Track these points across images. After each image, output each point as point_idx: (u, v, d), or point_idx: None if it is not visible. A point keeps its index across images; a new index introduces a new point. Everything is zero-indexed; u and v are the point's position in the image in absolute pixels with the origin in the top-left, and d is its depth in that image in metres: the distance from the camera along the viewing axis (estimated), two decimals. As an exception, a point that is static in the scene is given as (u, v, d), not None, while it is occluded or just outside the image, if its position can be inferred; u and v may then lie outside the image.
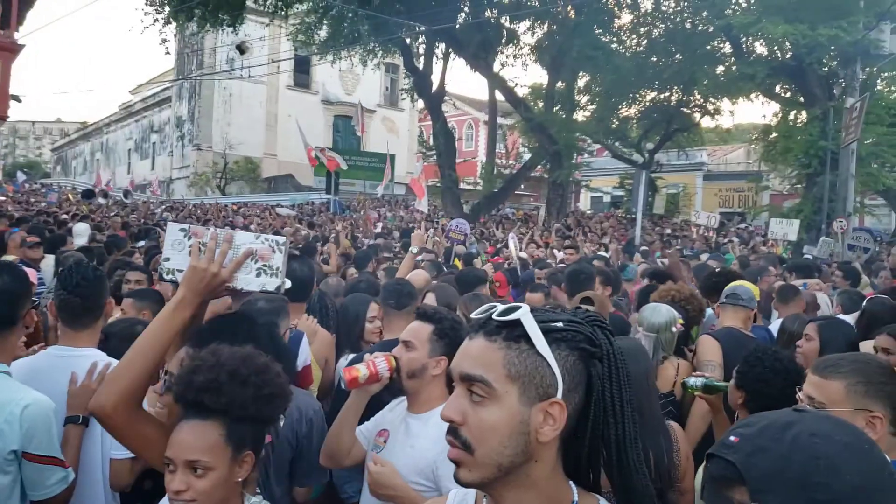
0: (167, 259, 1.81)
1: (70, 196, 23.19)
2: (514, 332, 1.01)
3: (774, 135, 19.45)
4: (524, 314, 1.01)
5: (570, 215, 23.60)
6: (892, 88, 18.49)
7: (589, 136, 24.23)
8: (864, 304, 4.51)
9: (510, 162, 28.42)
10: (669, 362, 3.22)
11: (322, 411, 2.54)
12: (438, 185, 21.03)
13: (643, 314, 3.32)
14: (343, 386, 2.18)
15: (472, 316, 1.08)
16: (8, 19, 10.79)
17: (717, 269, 5.47)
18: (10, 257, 5.97)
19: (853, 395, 1.70)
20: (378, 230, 14.71)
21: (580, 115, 24.44)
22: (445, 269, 6.23)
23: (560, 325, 1.03)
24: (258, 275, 1.77)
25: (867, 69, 16.26)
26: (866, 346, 3.11)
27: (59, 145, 60.48)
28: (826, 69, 16.92)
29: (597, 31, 19.70)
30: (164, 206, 21.71)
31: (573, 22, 19.35)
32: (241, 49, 34.01)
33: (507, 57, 22.21)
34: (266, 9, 20.89)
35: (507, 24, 20.75)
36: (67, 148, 58.02)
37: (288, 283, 1.84)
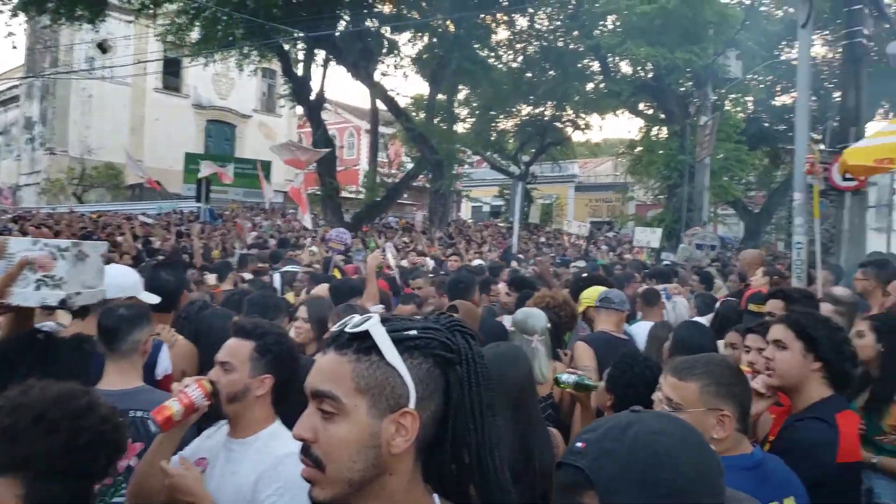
0: None
1: None
2: (364, 344, 0.99)
3: (639, 149, 20.82)
4: (372, 325, 1.00)
5: (451, 224, 23.95)
6: (738, 109, 20.36)
7: (468, 148, 24.77)
8: (717, 306, 4.86)
9: (393, 171, 28.44)
10: (548, 365, 3.28)
11: None
12: (319, 193, 20.56)
13: (517, 319, 3.37)
14: (154, 429, 1.96)
15: (331, 331, 1.05)
16: None
17: (584, 274, 5.70)
18: None
19: (706, 396, 1.77)
20: (250, 240, 14.13)
21: (460, 127, 24.95)
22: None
23: (413, 332, 1.01)
24: (38, 287, 1.54)
25: (717, 91, 17.82)
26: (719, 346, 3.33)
27: None
28: (683, 89, 18.36)
29: (475, 46, 20.18)
30: (8, 216, 19.65)
31: (452, 35, 19.70)
32: (103, 48, 31.67)
33: (388, 67, 22.25)
34: (131, 5, 19.59)
35: (387, 35, 20.77)
36: None
37: (155, 299, 1.64)
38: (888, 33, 10.75)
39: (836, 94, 15.20)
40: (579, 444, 0.91)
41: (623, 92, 17.87)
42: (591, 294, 4.26)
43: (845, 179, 7.19)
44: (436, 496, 1.05)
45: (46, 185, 32.17)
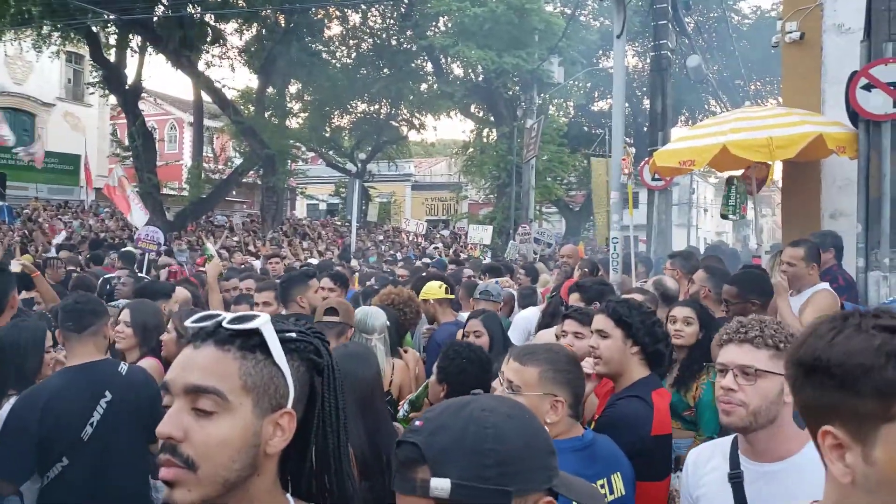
0: None
1: None
2: (249, 342, 0.98)
3: (471, 150, 21.62)
4: (265, 324, 0.99)
5: (285, 222, 23.23)
6: (560, 113, 21.88)
7: (302, 144, 24.18)
8: (548, 298, 5.15)
9: (220, 167, 26.92)
10: (386, 362, 3.30)
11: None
12: (137, 189, 18.93)
13: (359, 317, 3.35)
14: None
15: (192, 324, 1.02)
16: None
17: (423, 274, 5.86)
18: None
19: (543, 381, 1.86)
20: (60, 240, 12.68)
21: (293, 122, 24.25)
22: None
23: (294, 335, 1.03)
24: None
25: (542, 95, 18.98)
26: (548, 334, 3.51)
27: None
28: (510, 93, 19.32)
29: (307, 40, 19.72)
30: None
31: (282, 27, 19.08)
32: None
33: (213, 57, 21.03)
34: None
35: (212, 23, 19.61)
36: None
37: None
38: (688, 48, 12.12)
39: (646, 102, 16.86)
40: (418, 423, 0.93)
41: (455, 93, 18.44)
42: (431, 289, 4.40)
43: (654, 179, 7.97)
44: (288, 496, 1.06)
45: None
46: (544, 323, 4.08)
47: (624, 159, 6.88)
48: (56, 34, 18.50)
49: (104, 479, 2.66)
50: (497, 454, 0.87)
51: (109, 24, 18.14)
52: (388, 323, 3.38)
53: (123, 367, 2.93)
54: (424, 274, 5.93)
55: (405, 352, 3.71)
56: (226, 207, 28.16)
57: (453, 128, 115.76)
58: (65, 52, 24.59)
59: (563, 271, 6.31)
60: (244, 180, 23.52)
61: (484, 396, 0.98)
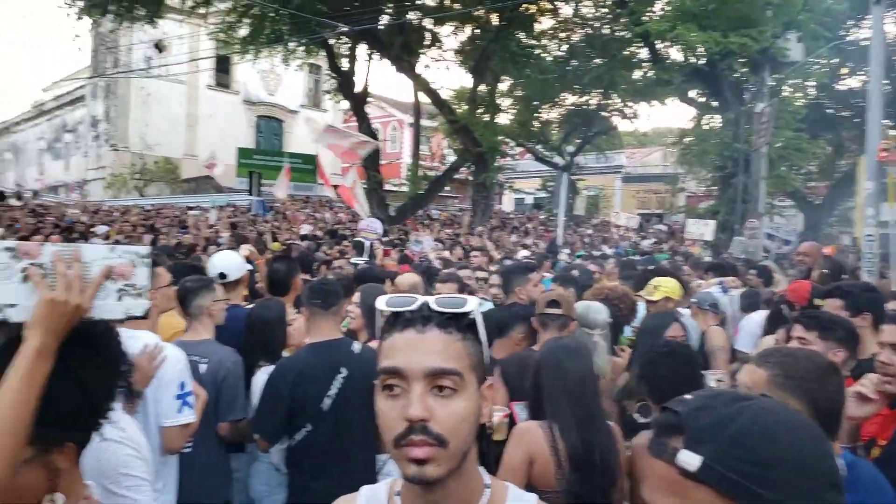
0: None
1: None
2: (462, 323, 1.06)
3: (690, 138, 20.21)
4: (475, 307, 1.07)
5: (493, 216, 23.80)
6: (798, 95, 19.54)
7: (511, 139, 24.51)
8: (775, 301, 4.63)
9: (435, 164, 28.40)
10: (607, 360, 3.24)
11: (241, 362, 3.21)
12: (364, 186, 20.70)
13: (580, 311, 3.32)
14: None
15: (398, 308, 1.07)
16: None
17: (650, 267, 5.58)
18: None
19: (771, 386, 1.74)
20: (305, 231, 14.27)
21: (503, 118, 24.69)
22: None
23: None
24: (120, 298, 1.39)
25: (775, 76, 17.10)
26: (768, 341, 3.17)
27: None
28: (737, 75, 17.69)
29: (518, 36, 19.91)
30: (76, 208, 20.45)
31: (495, 26, 19.48)
32: (159, 47, 32.55)
33: (430, 59, 22.18)
34: (184, 5, 20.05)
35: (429, 27, 20.69)
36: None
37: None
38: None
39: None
40: (688, 396, 0.93)
41: (673, 79, 17.31)
42: (668, 284, 4.13)
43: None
44: (481, 468, 1.14)
45: (111, 179, 33.40)
46: (768, 328, 3.71)
47: (884, 144, 5.92)
48: (300, 49, 20.81)
49: (341, 447, 2.94)
50: (757, 454, 0.82)
51: (342, 36, 19.98)
52: (609, 319, 3.29)
53: (357, 346, 3.19)
54: (651, 267, 5.63)
55: (622, 350, 3.58)
56: (440, 202, 29.61)
57: (669, 116, 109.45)
58: (307, 64, 27.65)
59: (798, 271, 5.64)
60: (456, 176, 24.54)
61: (771, 400, 0.97)
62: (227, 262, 4.10)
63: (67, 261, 1.32)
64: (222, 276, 3.92)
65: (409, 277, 4.91)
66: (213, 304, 3.26)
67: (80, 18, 18.10)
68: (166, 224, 16.00)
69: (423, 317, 1.05)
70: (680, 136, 22.17)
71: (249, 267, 4.67)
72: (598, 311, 3.28)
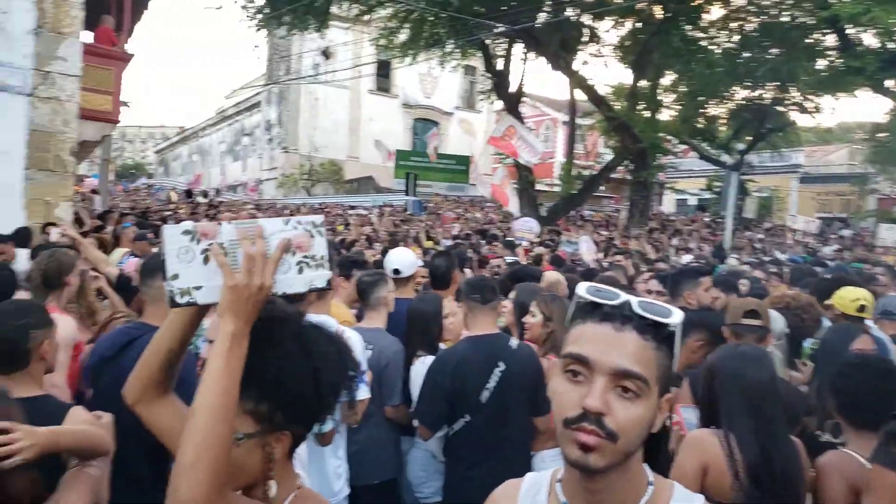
0: (175, 276, 1.28)
1: (172, 195, 24.50)
2: (661, 333, 1.07)
3: (884, 133, 17.97)
4: (679, 322, 1.07)
5: (652, 218, 22.79)
6: None
7: (674, 136, 23.33)
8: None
9: (589, 163, 27.72)
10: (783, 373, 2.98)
11: (402, 352, 3.44)
12: (515, 185, 20.72)
13: None
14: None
15: (599, 300, 1.08)
16: (121, 31, 11.48)
17: (830, 275, 5.05)
18: (122, 250, 6.29)
19: None
20: (456, 232, 14.58)
21: (665, 115, 23.57)
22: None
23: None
24: (300, 271, 1.34)
25: None
26: None
27: (160, 148, 64.10)
28: (943, 61, 15.51)
29: (685, 28, 18.88)
30: (251, 206, 22.50)
31: (658, 19, 18.62)
32: (326, 54, 34.89)
33: (588, 55, 21.70)
34: (349, 14, 21.29)
35: (588, 23, 20.24)
36: (168, 150, 61.38)
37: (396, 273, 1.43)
38: None
39: None
40: None
41: (867, 67, 15.49)
42: (850, 296, 3.70)
43: None
44: (646, 466, 1.14)
45: (282, 179, 36.39)
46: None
47: None
48: (457, 51, 21.27)
49: (497, 438, 2.96)
50: None
51: (499, 37, 20.13)
52: (787, 329, 3.02)
53: (513, 342, 3.21)
54: (830, 276, 5.11)
55: (803, 364, 3.25)
56: (594, 203, 28.90)
57: (856, 109, 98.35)
58: (462, 65, 28.24)
59: None
60: (612, 176, 23.81)
61: None
62: (402, 258, 4.38)
63: (251, 237, 1.28)
64: (396, 271, 4.15)
65: (550, 275, 4.92)
66: (388, 294, 3.57)
67: (258, 30, 19.85)
68: (328, 222, 17.08)
69: (624, 315, 1.07)
70: (872, 131, 19.82)
71: (420, 263, 4.89)
72: (773, 321, 3.02)
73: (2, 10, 8.22)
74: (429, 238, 12.62)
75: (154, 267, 2.72)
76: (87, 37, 10.57)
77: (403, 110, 38.72)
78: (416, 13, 18.62)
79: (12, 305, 2.37)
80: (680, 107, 24.01)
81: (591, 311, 1.09)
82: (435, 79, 36.96)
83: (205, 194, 27.48)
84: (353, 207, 22.67)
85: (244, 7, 19.07)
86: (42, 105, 8.69)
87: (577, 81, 20.58)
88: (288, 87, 35.59)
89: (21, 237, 6.36)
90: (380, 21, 21.75)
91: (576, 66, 20.64)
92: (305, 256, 1.34)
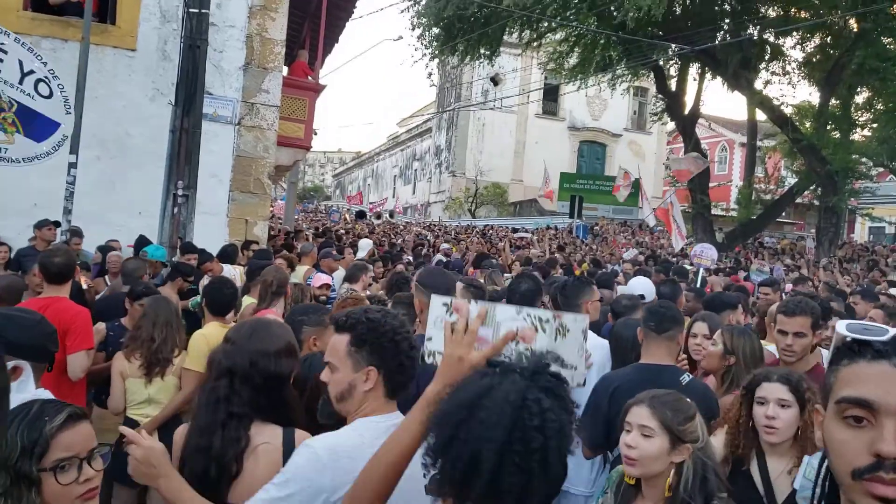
0: (429, 339, 1.54)
1: (346, 216, 26.43)
2: None
3: None
4: None
5: (842, 246, 20.57)
6: None
7: (869, 158, 20.93)
8: None
9: (770, 186, 25.65)
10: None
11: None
12: (689, 210, 19.71)
13: None
14: None
15: (866, 337, 1.00)
16: (314, 64, 12.63)
17: None
18: (306, 267, 6.95)
19: None
20: (630, 257, 14.07)
21: (858, 135, 21.26)
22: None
23: None
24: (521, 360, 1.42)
25: None
26: None
27: (338, 172, 69.42)
28: None
29: (885, 41, 17.00)
30: (421, 226, 23.57)
31: (853, 32, 16.93)
32: (496, 81, 35.78)
33: (771, 74, 20.23)
34: (521, 40, 21.70)
35: (771, 40, 18.91)
36: (345, 174, 66.31)
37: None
38: None
39: None
40: None
41: None
42: None
43: None
44: None
45: (449, 202, 37.76)
46: None
47: None
48: (629, 73, 20.82)
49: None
50: None
51: (673, 57, 19.43)
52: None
53: (685, 377, 3.08)
54: None
55: None
56: (775, 229, 26.67)
57: None
58: (632, 87, 27.57)
59: None
60: (797, 201, 21.83)
61: None
62: (644, 286, 4.77)
63: (480, 318, 1.44)
64: (641, 297, 4.42)
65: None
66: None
67: (432, 59, 20.84)
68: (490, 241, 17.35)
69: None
70: None
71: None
72: None
73: (218, 50, 9.41)
74: (582, 262, 12.32)
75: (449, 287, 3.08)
76: (285, 70, 11.79)
77: (570, 133, 38.54)
78: (588, 36, 18.53)
79: (300, 308, 3.36)
80: (876, 126, 21.51)
81: (858, 350, 1.01)
82: (604, 101, 36.44)
83: (378, 216, 29.29)
84: (515, 230, 22.88)
85: (420, 37, 20.15)
86: (246, 133, 9.82)
87: (759, 101, 19.27)
88: (457, 112, 36.96)
89: (226, 254, 7.22)
90: (549, 45, 21.92)
91: (757, 85, 19.35)
92: (527, 349, 1.43)
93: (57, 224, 7.41)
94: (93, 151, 7.96)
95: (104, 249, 6.87)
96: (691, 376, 3.12)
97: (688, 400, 2.16)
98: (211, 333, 3.67)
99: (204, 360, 3.08)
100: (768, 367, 2.71)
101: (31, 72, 2.57)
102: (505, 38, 20.69)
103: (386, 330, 1.75)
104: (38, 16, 8.81)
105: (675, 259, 13.89)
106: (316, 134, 13.59)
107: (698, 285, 7.03)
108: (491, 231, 22.44)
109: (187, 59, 8.11)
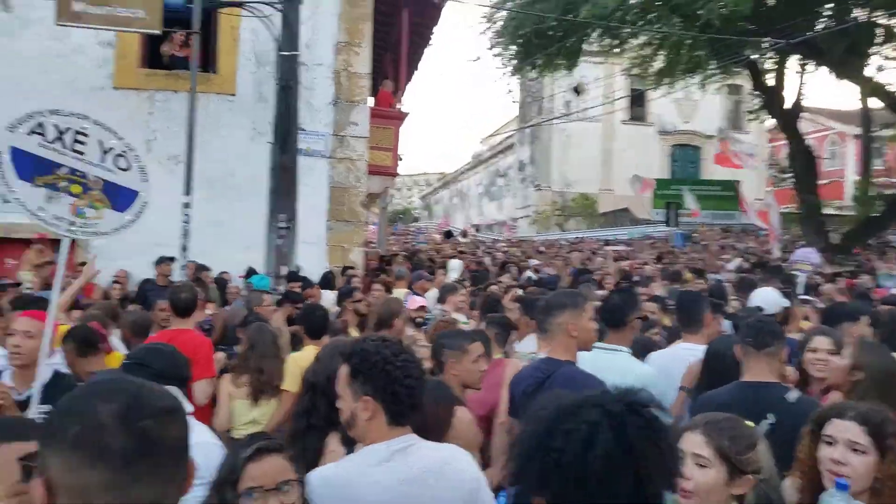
0: None
1: (436, 236, 26.83)
2: None
3: None
4: None
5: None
6: None
7: None
8: None
9: (892, 180, 23.75)
10: None
11: None
12: (796, 211, 18.59)
13: None
14: None
15: None
16: (397, 92, 13.02)
17: None
18: (403, 290, 7.16)
19: None
20: (733, 266, 13.35)
21: None
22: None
23: None
24: None
25: None
26: None
27: (424, 194, 70.68)
28: None
29: None
30: (508, 243, 23.55)
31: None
32: (578, 90, 35.37)
33: (884, 59, 18.83)
34: (602, 48, 21.41)
35: (883, 21, 17.61)
36: (431, 196, 67.38)
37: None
38: None
39: None
40: None
41: None
42: None
43: None
44: None
45: (535, 216, 37.53)
46: None
47: None
48: (719, 72, 20.01)
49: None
50: None
51: (767, 51, 18.52)
52: None
53: (792, 395, 2.91)
54: None
55: None
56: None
57: None
58: (725, 86, 26.45)
59: None
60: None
61: None
62: (765, 297, 4.65)
63: None
64: (759, 308, 4.27)
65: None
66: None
67: (512, 75, 20.91)
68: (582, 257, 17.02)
69: None
70: None
71: (786, 303, 4.81)
72: None
73: (308, 88, 9.89)
74: (694, 271, 11.87)
75: (556, 304, 3.04)
76: (371, 101, 12.23)
77: (660, 138, 37.40)
78: (673, 38, 18.02)
79: (446, 332, 3.50)
80: None
81: None
82: (694, 102, 35.14)
83: (464, 234, 29.54)
84: (607, 242, 22.37)
85: (499, 55, 20.30)
86: (338, 165, 10.23)
87: (871, 89, 17.98)
88: (540, 126, 36.78)
89: (326, 281, 7.55)
90: (632, 50, 21.48)
91: (869, 71, 18.07)
92: None
93: (172, 260, 8.05)
94: (202, 192, 8.55)
95: (220, 282, 7.37)
96: (800, 393, 2.95)
97: (750, 424, 1.98)
98: (302, 356, 3.95)
99: (296, 381, 3.33)
100: (843, 402, 2.38)
101: (111, 149, 2.95)
102: (584, 47, 20.46)
103: (377, 360, 1.79)
104: (152, 71, 9.62)
105: (785, 265, 13.11)
106: (401, 159, 13.94)
107: (801, 293, 6.61)
108: (582, 244, 22.07)
109: (281, 100, 8.61)
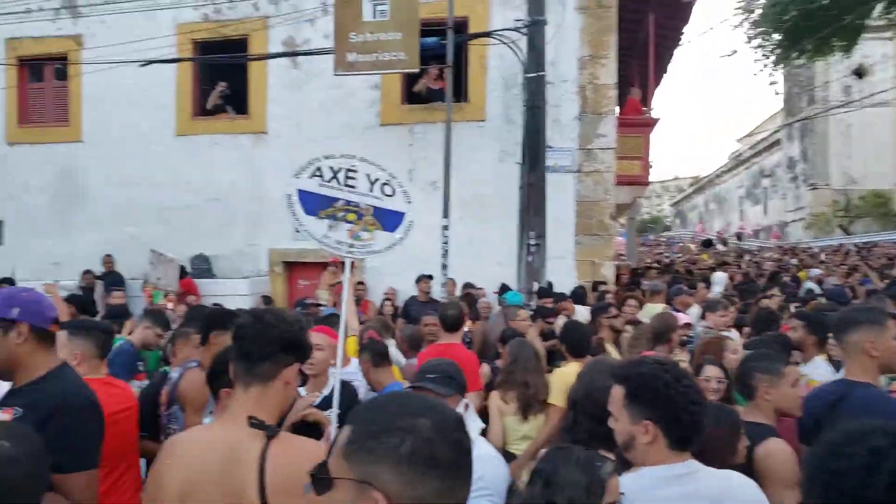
0: None
1: (691, 246, 25.18)
2: None
3: None
4: None
5: None
6: None
7: None
8: None
9: None
10: None
11: None
12: None
13: None
14: None
15: None
16: (646, 98, 12.61)
17: None
18: (656, 307, 6.80)
19: None
20: None
21: None
22: None
23: None
24: None
25: None
26: None
27: (676, 200, 66.68)
28: None
29: None
30: (778, 251, 21.16)
31: None
32: (860, 73, 30.69)
33: None
34: (892, 21, 18.37)
35: None
36: (684, 202, 63.37)
37: None
38: None
39: None
40: None
41: None
42: None
43: None
44: None
45: (811, 219, 33.20)
46: None
47: None
48: None
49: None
50: None
51: None
52: None
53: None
54: None
55: None
56: None
57: None
58: None
59: None
60: None
61: None
62: None
63: None
64: None
65: None
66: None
67: (776, 66, 18.87)
68: (875, 265, 14.60)
69: None
70: None
71: None
72: None
73: (554, 105, 9.97)
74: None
75: (850, 320, 2.81)
76: (617, 110, 11.92)
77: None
78: None
79: (756, 354, 3.15)
80: None
81: None
82: None
83: (724, 242, 27.20)
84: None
85: (760, 46, 18.54)
86: (586, 178, 10.13)
87: None
88: (813, 118, 32.50)
89: (578, 295, 7.49)
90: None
91: None
92: None
93: (431, 278, 8.67)
94: (456, 213, 9.10)
95: (470, 298, 7.76)
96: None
97: None
98: (567, 371, 4.03)
99: (563, 396, 3.39)
100: None
101: (377, 179, 3.42)
102: (867, 22, 17.68)
103: (658, 385, 1.78)
104: (412, 107, 10.56)
105: None
106: (651, 167, 13.37)
107: None
108: (875, 248, 18.95)
109: (529, 120, 8.82)
